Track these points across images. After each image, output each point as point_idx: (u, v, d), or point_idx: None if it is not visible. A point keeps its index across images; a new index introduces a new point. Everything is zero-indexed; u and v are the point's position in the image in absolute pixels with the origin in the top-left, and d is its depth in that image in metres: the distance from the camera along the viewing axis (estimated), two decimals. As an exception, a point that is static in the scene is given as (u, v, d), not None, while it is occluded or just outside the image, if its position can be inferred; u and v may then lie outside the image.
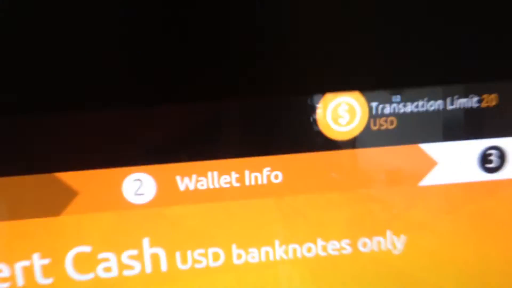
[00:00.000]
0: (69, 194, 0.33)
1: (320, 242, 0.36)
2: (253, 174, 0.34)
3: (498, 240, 0.37)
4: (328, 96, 0.33)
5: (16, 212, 0.33)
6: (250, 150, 0.34)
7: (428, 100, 0.34)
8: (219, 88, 0.33)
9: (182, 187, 0.34)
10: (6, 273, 0.34)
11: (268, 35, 0.32)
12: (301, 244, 0.36)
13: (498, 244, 0.37)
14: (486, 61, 0.33)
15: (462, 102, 0.34)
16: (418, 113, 0.34)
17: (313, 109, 0.34)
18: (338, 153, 0.34)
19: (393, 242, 0.36)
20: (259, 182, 0.35)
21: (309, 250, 0.36)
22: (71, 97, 0.32)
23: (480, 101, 0.34)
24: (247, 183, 0.34)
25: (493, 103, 0.34)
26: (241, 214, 0.35)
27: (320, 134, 0.34)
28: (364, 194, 0.35)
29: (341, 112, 0.34)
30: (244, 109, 0.33)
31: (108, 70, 0.32)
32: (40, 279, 0.34)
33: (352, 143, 0.34)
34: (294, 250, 0.36)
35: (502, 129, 0.35)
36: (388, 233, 0.36)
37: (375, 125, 0.34)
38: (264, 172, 0.34)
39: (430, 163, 0.35)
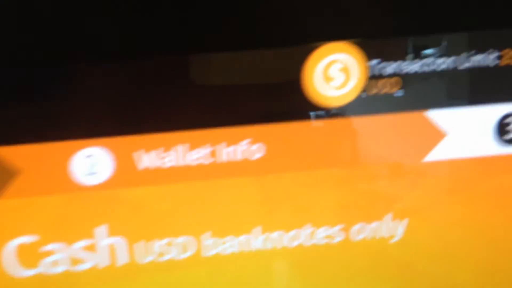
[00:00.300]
0: (7, 174, 0.28)
1: (309, 228, 0.30)
2: (228, 148, 0.29)
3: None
4: (318, 52, 0.28)
5: None
6: (224, 119, 0.28)
7: (438, 57, 0.28)
8: (184, 39, 0.27)
9: (143, 164, 0.28)
10: None
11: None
12: (286, 230, 0.30)
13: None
14: (506, 6, 0.28)
15: (477, 59, 0.28)
16: (425, 73, 0.28)
17: (299, 68, 0.28)
18: (330, 123, 0.29)
19: (393, 227, 0.31)
20: (237, 157, 0.29)
21: (296, 237, 0.30)
22: (6, 54, 0.26)
23: (499, 58, 0.28)
24: (222, 158, 0.29)
25: (514, 60, 0.29)
26: (215, 196, 0.29)
27: (308, 99, 0.28)
28: (360, 171, 0.30)
29: (333, 72, 0.28)
30: (216, 65, 0.28)
31: (48, 23, 0.26)
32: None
33: (346, 111, 0.29)
34: (279, 238, 0.30)
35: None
36: (388, 216, 0.30)
37: (374, 88, 0.28)
38: (242, 145, 0.29)
39: (437, 135, 0.30)
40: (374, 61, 0.28)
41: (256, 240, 0.30)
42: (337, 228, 0.30)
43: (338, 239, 0.31)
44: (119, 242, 0.29)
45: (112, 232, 0.29)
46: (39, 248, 0.29)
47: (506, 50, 0.28)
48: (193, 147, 0.29)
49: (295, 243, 0.30)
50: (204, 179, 0.29)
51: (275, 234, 0.30)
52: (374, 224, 0.31)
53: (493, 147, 0.30)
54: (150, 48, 0.27)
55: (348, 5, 0.27)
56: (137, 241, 0.29)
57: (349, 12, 0.27)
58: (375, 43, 0.28)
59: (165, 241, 0.29)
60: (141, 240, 0.29)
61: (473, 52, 0.28)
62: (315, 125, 0.29)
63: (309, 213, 0.30)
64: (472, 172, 0.31)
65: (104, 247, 0.29)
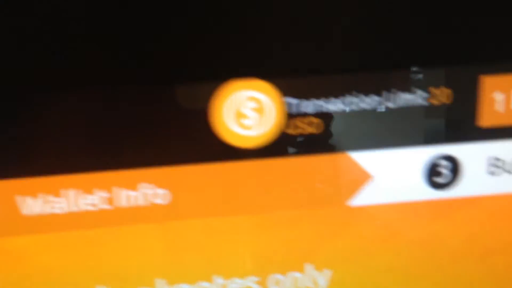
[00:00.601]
0: None
1: (219, 280, 0.27)
2: (129, 192, 0.25)
3: (448, 274, 0.29)
4: (229, 88, 0.25)
5: None
6: (123, 160, 0.25)
7: (361, 95, 0.26)
8: (72, 75, 0.24)
9: (29, 211, 0.25)
10: None
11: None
12: (193, 283, 0.27)
13: (448, 279, 0.29)
14: (436, 43, 0.25)
15: (404, 98, 0.26)
16: (348, 112, 0.26)
17: (208, 106, 0.25)
18: (244, 165, 0.26)
19: (314, 279, 0.28)
20: (138, 202, 0.26)
21: (205, 290, 0.27)
22: None
23: (428, 97, 0.26)
24: (121, 204, 0.25)
25: (445, 99, 0.26)
26: (112, 245, 0.26)
27: (218, 139, 0.25)
28: (277, 217, 0.27)
29: (246, 110, 0.25)
30: (112, 101, 0.24)
31: None
32: None
33: (261, 152, 0.26)
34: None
35: (455, 134, 0.27)
36: (308, 267, 0.28)
37: (292, 127, 0.26)
38: (144, 189, 0.25)
39: (363, 177, 0.27)
40: (292, 99, 0.25)
41: (161, 293, 0.27)
42: (251, 279, 0.27)
43: (253, 291, 0.28)
44: (0, 298, 0.26)
45: (-7, 287, 0.25)
46: None
47: (435, 89, 0.26)
48: (87, 191, 0.25)
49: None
50: (99, 227, 0.26)
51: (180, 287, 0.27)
52: (293, 275, 0.28)
53: (424, 191, 0.28)
54: (31, 83, 0.23)
55: (263, 39, 0.24)
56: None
57: (264, 47, 0.24)
58: (292, 80, 0.25)
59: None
60: (27, 295, 0.26)
61: (398, 90, 0.26)
62: (226, 167, 0.26)
63: (219, 264, 0.27)
64: (401, 218, 0.28)
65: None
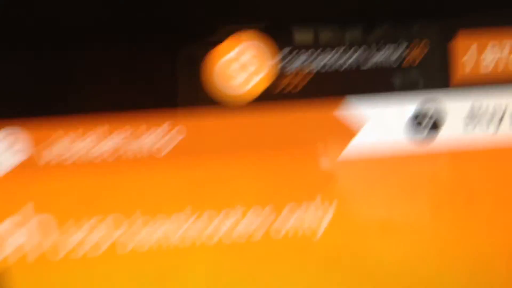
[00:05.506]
0: None
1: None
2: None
3: (430, 227, 0.31)
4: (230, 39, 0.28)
5: None
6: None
7: (349, 48, 0.29)
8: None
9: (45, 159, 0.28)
10: None
11: None
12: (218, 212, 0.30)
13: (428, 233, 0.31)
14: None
15: (387, 51, 0.29)
16: (336, 65, 0.29)
17: (197, 60, 0.28)
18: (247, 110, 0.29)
19: (322, 213, 0.30)
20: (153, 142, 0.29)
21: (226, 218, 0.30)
22: None
23: (408, 48, 0.29)
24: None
25: (423, 51, 0.29)
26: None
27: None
28: (277, 162, 0.30)
29: (237, 64, 0.29)
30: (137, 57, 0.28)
31: None
32: None
33: (257, 101, 0.29)
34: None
35: (435, 83, 0.30)
36: (318, 200, 0.30)
37: (286, 77, 0.29)
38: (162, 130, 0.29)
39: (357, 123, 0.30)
40: (286, 50, 0.29)
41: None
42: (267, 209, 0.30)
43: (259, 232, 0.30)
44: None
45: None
46: None
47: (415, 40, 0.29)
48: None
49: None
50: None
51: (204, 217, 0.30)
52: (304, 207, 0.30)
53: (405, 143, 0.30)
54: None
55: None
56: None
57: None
58: (286, 30, 0.28)
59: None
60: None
61: (383, 42, 0.29)
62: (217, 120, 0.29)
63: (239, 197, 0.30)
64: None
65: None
